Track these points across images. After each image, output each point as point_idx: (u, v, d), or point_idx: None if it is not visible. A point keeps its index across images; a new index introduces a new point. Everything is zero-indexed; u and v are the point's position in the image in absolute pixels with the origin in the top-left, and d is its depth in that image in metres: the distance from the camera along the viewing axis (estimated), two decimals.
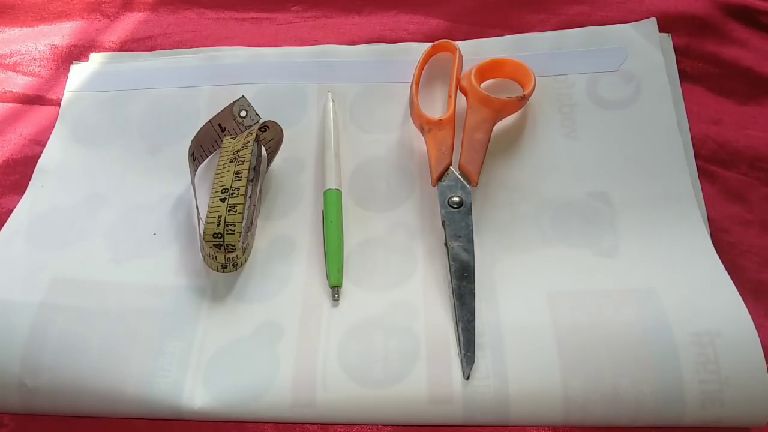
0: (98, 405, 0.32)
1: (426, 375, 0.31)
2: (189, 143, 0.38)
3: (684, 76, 0.41)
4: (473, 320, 0.32)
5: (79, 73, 0.45)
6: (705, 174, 0.38)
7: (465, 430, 0.31)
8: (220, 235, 0.34)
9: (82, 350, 0.32)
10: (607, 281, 0.34)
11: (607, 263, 0.34)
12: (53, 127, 0.43)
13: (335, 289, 0.34)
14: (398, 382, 0.31)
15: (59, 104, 0.44)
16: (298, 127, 0.41)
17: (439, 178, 0.36)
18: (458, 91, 0.39)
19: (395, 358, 0.32)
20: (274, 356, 0.32)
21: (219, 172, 0.36)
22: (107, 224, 0.38)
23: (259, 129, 0.38)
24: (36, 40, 0.48)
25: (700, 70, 0.42)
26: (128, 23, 0.48)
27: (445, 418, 0.31)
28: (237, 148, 0.37)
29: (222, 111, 0.39)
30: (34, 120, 0.44)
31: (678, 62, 0.41)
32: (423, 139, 0.38)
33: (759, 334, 0.30)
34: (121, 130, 0.42)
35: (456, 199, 0.36)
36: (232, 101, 0.39)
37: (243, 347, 0.33)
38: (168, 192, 0.39)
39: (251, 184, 0.37)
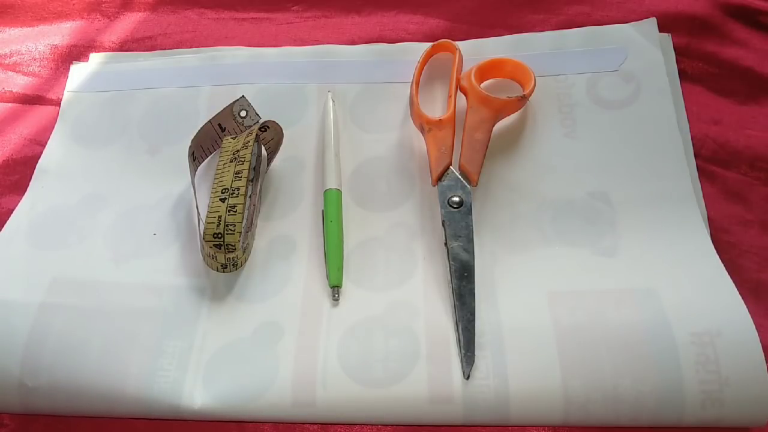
0: (98, 405, 0.32)
1: (426, 375, 0.31)
2: (189, 143, 0.38)
3: (684, 76, 0.41)
4: (473, 320, 0.32)
5: (79, 73, 0.45)
6: (705, 174, 0.38)
7: (465, 430, 0.31)
8: (220, 235, 0.34)
9: (82, 350, 0.33)
10: (607, 281, 0.34)
11: (607, 263, 0.34)
12: (53, 127, 0.43)
13: (335, 289, 0.34)
14: (398, 382, 0.31)
15: (59, 104, 0.44)
16: (298, 127, 0.41)
17: (439, 178, 0.36)
18: (458, 91, 0.39)
19: (395, 357, 0.32)
20: (274, 356, 0.32)
21: (219, 172, 0.36)
22: (107, 224, 0.38)
23: (259, 129, 0.38)
24: (36, 40, 0.48)
25: (700, 70, 0.42)
26: (128, 23, 0.48)
27: (445, 418, 0.31)
28: (237, 148, 0.37)
29: (222, 111, 0.39)
30: (34, 120, 0.44)
31: (678, 62, 0.41)
32: (423, 139, 0.38)
33: (759, 334, 0.30)
34: (121, 130, 0.42)
35: (456, 199, 0.36)
36: (232, 101, 0.39)
37: (243, 347, 0.33)
38: (168, 192, 0.39)
39: (251, 184, 0.37)
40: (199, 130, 0.38)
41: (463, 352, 0.32)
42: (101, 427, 0.32)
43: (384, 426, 0.32)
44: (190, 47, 0.46)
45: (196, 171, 0.39)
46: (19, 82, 0.46)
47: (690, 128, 0.39)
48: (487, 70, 0.40)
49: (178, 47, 0.46)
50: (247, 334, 0.34)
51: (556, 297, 0.33)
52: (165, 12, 0.48)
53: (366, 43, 0.45)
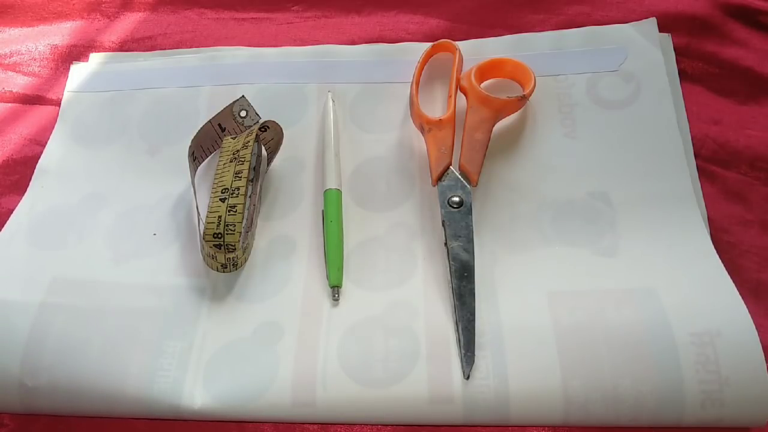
0: (98, 405, 0.32)
1: (426, 375, 0.31)
2: (189, 143, 0.38)
3: (684, 76, 0.41)
4: (473, 320, 0.32)
5: (79, 73, 0.45)
6: (705, 174, 0.38)
7: (465, 430, 0.31)
8: (220, 235, 0.34)
9: (82, 350, 0.33)
10: (607, 281, 0.34)
11: (607, 263, 0.34)
12: (53, 127, 0.43)
13: (335, 289, 0.34)
14: (398, 382, 0.31)
15: (59, 104, 0.44)
16: (298, 127, 0.41)
17: (439, 178, 0.36)
18: (458, 91, 0.39)
19: (395, 357, 0.32)
20: (274, 356, 0.32)
21: (219, 172, 0.36)
22: (107, 224, 0.38)
23: (259, 129, 0.38)
24: (36, 40, 0.48)
25: (700, 70, 0.42)
26: (128, 23, 0.48)
27: (445, 418, 0.31)
28: (237, 148, 0.37)
29: (222, 111, 0.39)
30: (34, 120, 0.44)
31: (678, 62, 0.41)
32: (423, 139, 0.38)
33: (759, 334, 0.30)
34: (121, 130, 0.42)
35: (456, 198, 0.36)
36: (232, 101, 0.39)
37: (243, 347, 0.33)
38: (168, 192, 0.39)
39: (251, 184, 0.37)
40: (199, 130, 0.38)
41: (463, 352, 0.32)
42: (101, 427, 0.32)
43: (384, 426, 0.32)
44: (190, 47, 0.46)
45: (196, 171, 0.39)
46: (19, 82, 0.46)
47: (690, 128, 0.39)
48: (487, 70, 0.40)
49: (178, 47, 0.46)
50: (247, 334, 0.34)
51: (556, 297, 0.33)
52: (165, 12, 0.48)
53: (366, 43, 0.45)
